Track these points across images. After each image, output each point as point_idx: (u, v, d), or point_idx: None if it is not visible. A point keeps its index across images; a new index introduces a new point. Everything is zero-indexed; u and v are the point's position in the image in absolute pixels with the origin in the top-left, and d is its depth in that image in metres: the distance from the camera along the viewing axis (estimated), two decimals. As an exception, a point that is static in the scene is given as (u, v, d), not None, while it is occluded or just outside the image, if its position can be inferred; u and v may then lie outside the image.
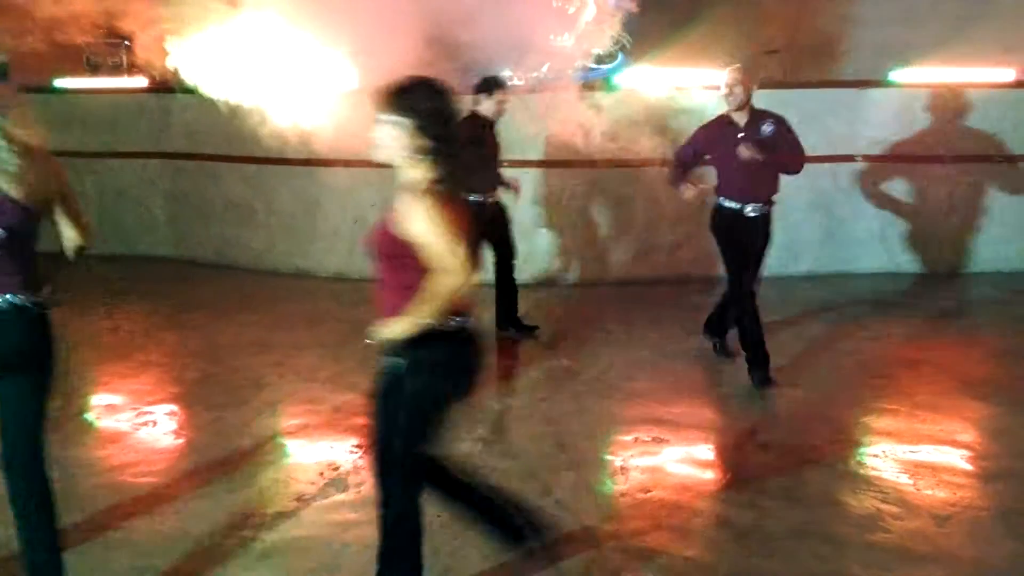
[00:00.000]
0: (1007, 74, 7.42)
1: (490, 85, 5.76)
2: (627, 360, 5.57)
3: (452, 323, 2.58)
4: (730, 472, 4.05)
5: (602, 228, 7.62)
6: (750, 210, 4.93)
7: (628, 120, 7.29)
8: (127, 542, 3.38)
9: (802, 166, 5.01)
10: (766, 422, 4.55)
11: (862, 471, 3.99)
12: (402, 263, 2.52)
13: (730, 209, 4.96)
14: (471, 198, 5.80)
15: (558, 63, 7.86)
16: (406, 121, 2.49)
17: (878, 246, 7.60)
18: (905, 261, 7.60)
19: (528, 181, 7.45)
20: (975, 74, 7.44)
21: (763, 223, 4.99)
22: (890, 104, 7.36)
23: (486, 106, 5.73)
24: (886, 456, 4.12)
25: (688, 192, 5.18)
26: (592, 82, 7.81)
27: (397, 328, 2.56)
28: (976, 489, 3.84)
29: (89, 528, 3.47)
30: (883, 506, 3.65)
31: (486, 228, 5.74)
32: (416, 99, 2.51)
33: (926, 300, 6.79)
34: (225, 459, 4.15)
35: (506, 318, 6.06)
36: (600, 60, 9.81)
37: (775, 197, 5.01)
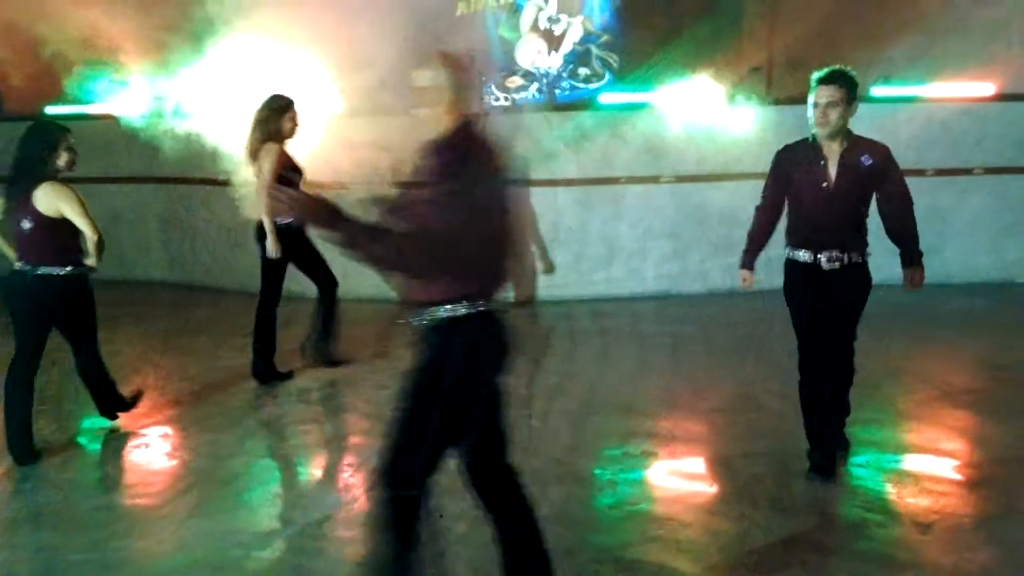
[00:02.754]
0: (986, 88, 7.56)
1: None
2: (615, 375, 5.65)
3: None
4: (717, 484, 4.11)
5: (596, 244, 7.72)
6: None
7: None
8: (123, 562, 3.43)
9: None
10: (752, 434, 4.62)
11: (847, 480, 4.05)
12: None
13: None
14: None
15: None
16: None
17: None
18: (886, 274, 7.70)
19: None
20: (954, 88, 7.58)
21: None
22: (871, 119, 7.47)
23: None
24: (870, 465, 4.19)
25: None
26: (577, 102, 7.95)
27: None
28: (958, 497, 3.90)
29: (85, 549, 3.52)
30: (867, 514, 3.72)
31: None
32: None
33: (905, 310, 6.87)
34: (219, 479, 4.20)
35: None
36: (587, 80, 9.98)
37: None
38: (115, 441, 4.76)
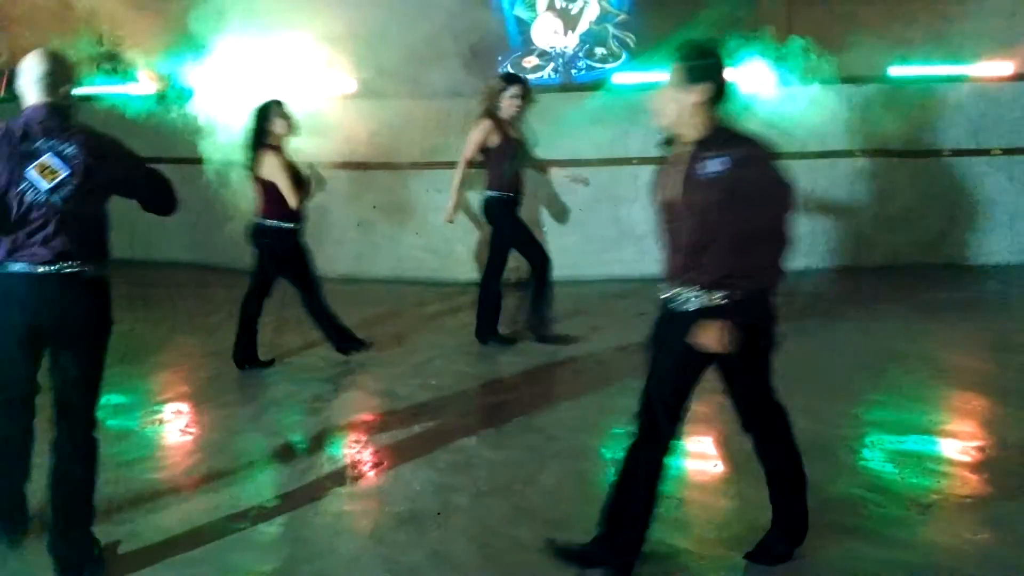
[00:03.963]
0: (1005, 67, 7.45)
1: None
2: (622, 355, 5.67)
3: None
4: (717, 463, 4.14)
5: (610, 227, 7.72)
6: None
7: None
8: (130, 535, 3.51)
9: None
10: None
11: (849, 461, 4.06)
12: None
13: None
14: None
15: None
16: None
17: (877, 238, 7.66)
18: (902, 254, 7.66)
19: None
20: (973, 68, 7.48)
21: None
22: (886, 99, 7.40)
23: None
24: (873, 446, 4.20)
25: None
26: (592, 83, 7.93)
27: None
28: (959, 478, 3.90)
29: (98, 521, 3.61)
30: (866, 494, 3.72)
31: None
32: None
33: (913, 293, 6.83)
34: (230, 454, 4.29)
35: None
36: (604, 60, 9.93)
37: None
38: (131, 415, 4.86)
